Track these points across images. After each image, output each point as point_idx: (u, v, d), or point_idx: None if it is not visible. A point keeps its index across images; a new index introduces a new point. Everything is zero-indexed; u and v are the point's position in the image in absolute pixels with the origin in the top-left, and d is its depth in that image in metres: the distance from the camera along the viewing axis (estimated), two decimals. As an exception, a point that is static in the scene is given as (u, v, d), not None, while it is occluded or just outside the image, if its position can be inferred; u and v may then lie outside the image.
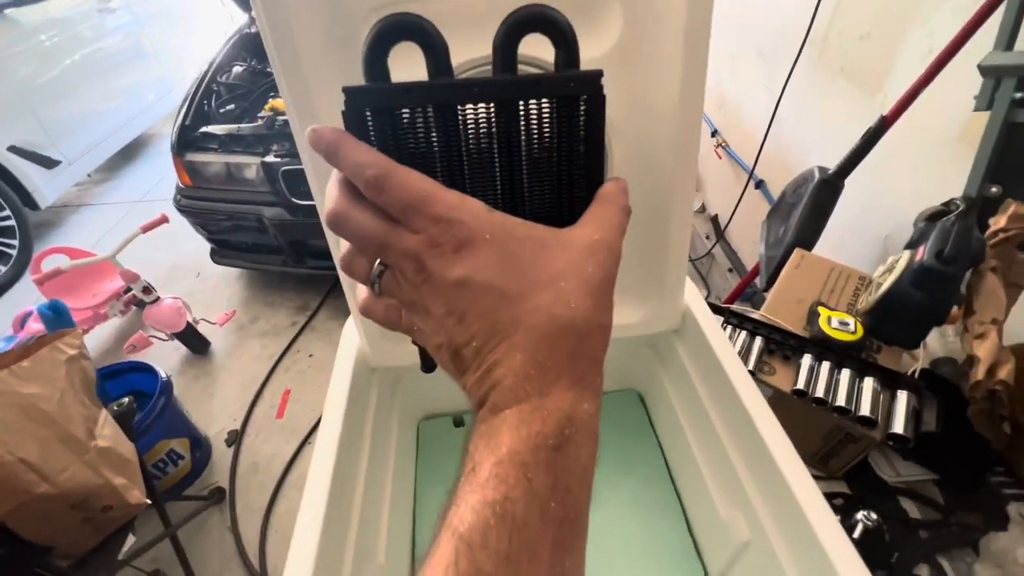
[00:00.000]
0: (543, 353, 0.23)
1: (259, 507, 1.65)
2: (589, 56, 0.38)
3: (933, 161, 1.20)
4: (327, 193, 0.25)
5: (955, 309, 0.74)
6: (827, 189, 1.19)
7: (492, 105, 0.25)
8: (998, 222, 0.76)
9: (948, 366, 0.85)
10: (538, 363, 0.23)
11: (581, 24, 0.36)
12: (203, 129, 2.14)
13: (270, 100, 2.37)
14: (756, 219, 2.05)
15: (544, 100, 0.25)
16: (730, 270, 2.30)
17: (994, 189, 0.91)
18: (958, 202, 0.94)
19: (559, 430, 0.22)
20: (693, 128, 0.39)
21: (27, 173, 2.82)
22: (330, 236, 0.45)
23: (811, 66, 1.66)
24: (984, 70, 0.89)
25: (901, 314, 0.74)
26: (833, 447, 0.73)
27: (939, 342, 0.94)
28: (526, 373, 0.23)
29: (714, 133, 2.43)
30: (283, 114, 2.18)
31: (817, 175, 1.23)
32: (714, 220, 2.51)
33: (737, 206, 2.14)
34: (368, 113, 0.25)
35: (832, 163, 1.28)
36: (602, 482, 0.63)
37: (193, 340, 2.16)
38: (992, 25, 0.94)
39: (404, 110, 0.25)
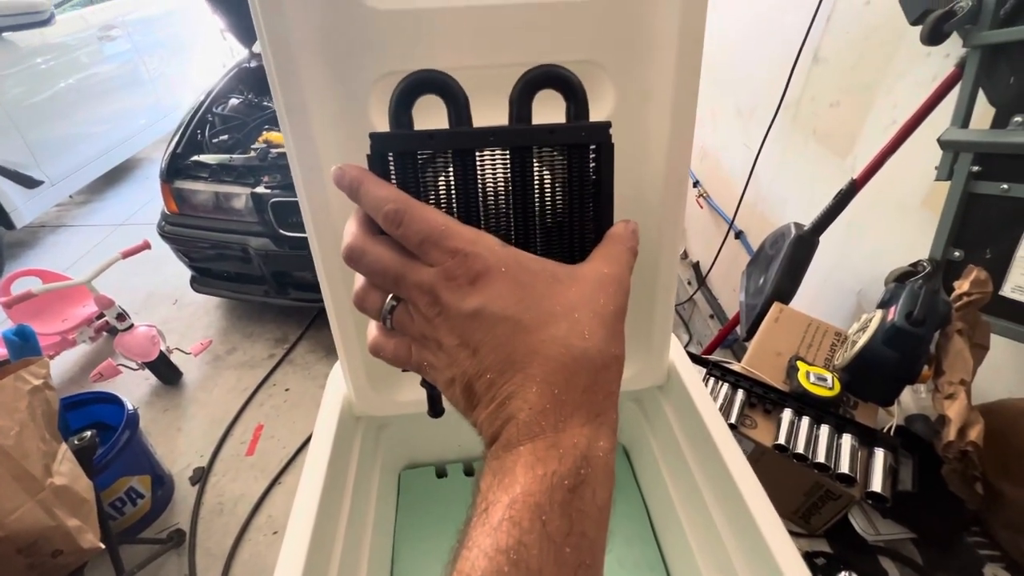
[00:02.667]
0: (559, 386, 0.23)
1: (220, 552, 1.55)
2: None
3: (900, 223, 1.27)
4: (345, 230, 0.26)
5: (926, 368, 0.77)
6: (803, 245, 1.24)
7: (508, 152, 0.27)
8: (961, 286, 0.80)
9: (921, 423, 0.87)
10: (554, 396, 0.23)
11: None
12: (194, 158, 2.15)
13: (264, 132, 2.40)
14: (736, 267, 2.12)
15: (557, 148, 0.27)
16: (711, 316, 2.34)
17: (956, 253, 0.97)
18: (924, 264, 0.99)
19: (575, 469, 0.22)
20: (679, 191, 0.41)
21: (6, 192, 2.77)
22: (320, 270, 0.45)
23: (786, 127, 1.76)
24: (943, 144, 0.96)
25: (875, 372, 0.76)
26: (814, 503, 0.74)
27: (912, 399, 0.97)
28: (542, 407, 0.23)
29: (696, 183, 2.53)
30: (277, 146, 2.20)
31: (793, 231, 1.29)
32: (695, 267, 2.58)
33: (718, 255, 2.21)
34: (391, 156, 0.26)
35: (807, 218, 1.35)
36: None
37: (165, 370, 2.09)
38: (950, 100, 1.03)
39: (425, 154, 0.26)
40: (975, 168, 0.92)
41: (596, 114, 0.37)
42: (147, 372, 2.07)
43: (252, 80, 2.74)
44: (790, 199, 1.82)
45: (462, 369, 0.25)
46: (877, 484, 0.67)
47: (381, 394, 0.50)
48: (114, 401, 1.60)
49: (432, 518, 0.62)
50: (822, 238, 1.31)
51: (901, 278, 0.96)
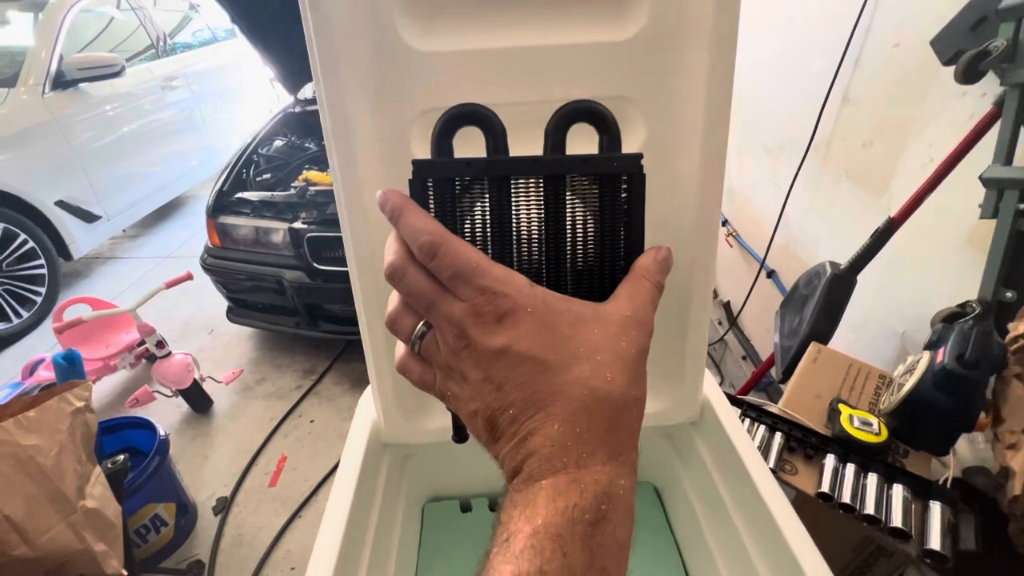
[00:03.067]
0: (581, 425, 0.23)
1: (238, 587, 1.53)
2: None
3: (944, 262, 1.22)
4: (387, 247, 0.27)
5: (983, 416, 0.72)
6: (840, 284, 1.21)
7: (542, 180, 0.28)
8: (1017, 328, 0.75)
9: (982, 476, 0.80)
10: (576, 435, 0.23)
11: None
12: (238, 195, 2.27)
13: (304, 171, 2.53)
14: (768, 307, 2.06)
15: (590, 177, 0.28)
16: (744, 357, 2.26)
17: (1009, 294, 0.92)
18: (973, 304, 0.95)
19: (596, 505, 0.22)
20: (712, 221, 0.41)
21: (68, 226, 2.97)
22: (357, 290, 0.46)
23: (816, 167, 1.75)
24: (985, 182, 0.93)
25: (926, 418, 0.72)
26: (865, 560, 0.68)
27: (969, 449, 0.90)
28: (563, 443, 0.23)
29: (725, 222, 2.51)
30: (315, 185, 2.31)
31: (829, 269, 1.26)
32: (726, 306, 2.52)
33: (749, 294, 2.16)
34: (431, 183, 0.27)
35: (841, 257, 1.31)
36: None
37: (197, 398, 2.14)
38: (990, 138, 1.00)
39: (463, 181, 0.28)
40: (1022, 206, 0.89)
41: (627, 148, 0.38)
42: (180, 400, 2.12)
43: (295, 124, 2.92)
44: (822, 238, 1.78)
45: (486, 403, 0.25)
46: (935, 541, 0.61)
47: (409, 421, 0.50)
48: (147, 427, 1.64)
49: (456, 553, 0.60)
50: (863, 276, 1.27)
51: (949, 319, 0.92)
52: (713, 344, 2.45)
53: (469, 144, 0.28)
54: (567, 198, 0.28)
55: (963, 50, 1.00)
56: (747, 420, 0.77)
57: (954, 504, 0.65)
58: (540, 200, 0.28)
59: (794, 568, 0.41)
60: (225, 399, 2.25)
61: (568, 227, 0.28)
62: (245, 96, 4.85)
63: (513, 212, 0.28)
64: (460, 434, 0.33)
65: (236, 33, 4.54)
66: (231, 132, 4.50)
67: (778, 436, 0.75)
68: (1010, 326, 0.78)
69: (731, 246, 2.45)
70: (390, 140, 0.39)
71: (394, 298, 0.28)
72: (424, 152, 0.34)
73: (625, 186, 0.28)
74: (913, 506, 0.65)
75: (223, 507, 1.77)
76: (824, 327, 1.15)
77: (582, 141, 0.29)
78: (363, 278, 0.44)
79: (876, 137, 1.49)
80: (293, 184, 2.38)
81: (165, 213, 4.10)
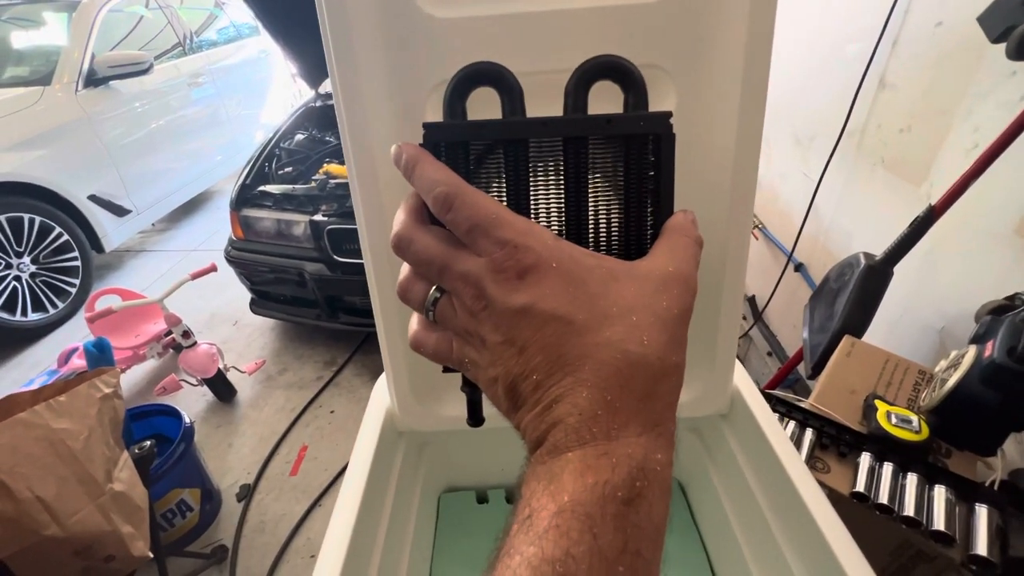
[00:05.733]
0: (613, 392, 0.21)
1: (260, 572, 1.56)
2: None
3: (988, 253, 1.15)
4: (395, 219, 0.26)
5: (1035, 414, 0.67)
6: (875, 276, 1.15)
7: (561, 142, 0.26)
8: (1074, 321, 0.70)
9: (1031, 479, 0.75)
10: (607, 403, 0.21)
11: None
12: (261, 188, 2.30)
13: (325, 165, 2.55)
14: (796, 302, 1.99)
15: (614, 138, 0.26)
16: (769, 354, 2.20)
17: (1062, 286, 0.86)
18: (1023, 297, 0.89)
19: (630, 481, 0.20)
20: (747, 194, 0.38)
21: (100, 220, 3.07)
22: (372, 284, 0.45)
23: (849, 155, 1.67)
24: (1041, 165, 0.87)
25: (972, 415, 0.67)
26: (902, 565, 0.64)
27: (1017, 450, 0.85)
28: (593, 412, 0.21)
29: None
30: (335, 178, 2.33)
31: (863, 261, 1.20)
32: (751, 301, 2.45)
33: (776, 288, 2.09)
34: (443, 147, 0.25)
35: (875, 249, 1.25)
36: None
37: (221, 387, 2.18)
38: (1043, 122, 0.94)
39: (478, 146, 0.26)
40: (1080, 192, 0.83)
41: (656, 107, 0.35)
42: (205, 388, 2.17)
43: (317, 117, 2.95)
44: (855, 230, 1.70)
45: (506, 368, 0.23)
46: (982, 546, 0.57)
47: (425, 407, 0.49)
48: (173, 414, 1.67)
49: (471, 545, 0.59)
50: (900, 268, 1.21)
51: (996, 312, 0.86)
52: (738, 339, 2.39)
53: (485, 108, 0.26)
54: (589, 161, 0.26)
55: (1014, 25, 0.94)
56: (777, 415, 0.74)
57: (1003, 508, 0.61)
58: (560, 164, 0.26)
59: (832, 566, 0.38)
60: (248, 389, 2.29)
61: (591, 194, 0.26)
62: (268, 91, 4.92)
63: (531, 178, 0.26)
64: (475, 416, 0.31)
65: (259, 30, 4.61)
66: (254, 127, 4.57)
67: (809, 432, 0.71)
68: (1066, 319, 0.73)
69: (756, 239, 2.38)
70: (405, 118, 0.38)
71: (405, 268, 0.27)
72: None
73: (653, 147, 0.26)
74: (957, 509, 0.61)
75: (246, 494, 1.80)
76: (858, 321, 1.10)
77: (606, 101, 0.27)
78: (376, 261, 0.43)
79: (915, 123, 1.42)
80: (314, 177, 2.41)
81: (192, 208, 4.20)
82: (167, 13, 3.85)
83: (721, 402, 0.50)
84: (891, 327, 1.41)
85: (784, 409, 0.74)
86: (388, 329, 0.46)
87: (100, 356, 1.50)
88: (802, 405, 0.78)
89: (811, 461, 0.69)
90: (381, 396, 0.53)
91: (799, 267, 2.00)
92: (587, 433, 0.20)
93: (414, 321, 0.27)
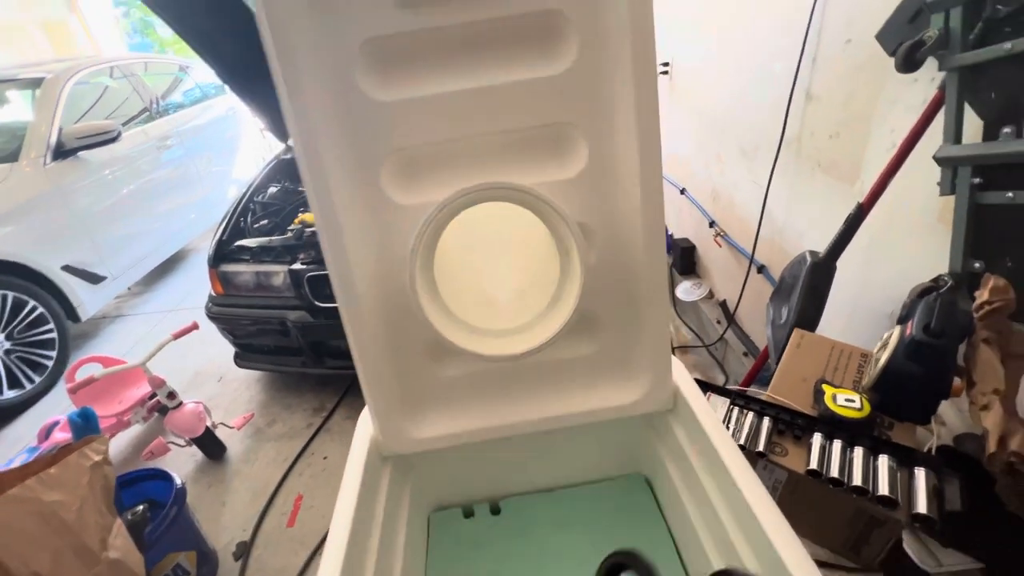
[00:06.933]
0: None
1: (263, 630, 1.53)
2: (565, 177, 0.46)
3: (919, 240, 1.26)
4: None
5: (958, 381, 0.75)
6: (820, 272, 1.24)
7: None
8: (981, 295, 0.79)
9: (971, 441, 0.83)
10: None
11: (558, 154, 0.45)
12: (238, 243, 2.34)
13: (300, 214, 2.61)
14: (762, 302, 2.09)
15: None
16: (745, 354, 2.28)
17: (976, 264, 0.96)
18: (946, 278, 0.99)
19: None
20: (657, 223, 0.45)
21: (75, 289, 3.04)
22: (346, 322, 0.50)
23: (791, 162, 1.81)
24: (938, 160, 0.98)
25: (902, 388, 0.75)
26: (861, 533, 0.70)
27: (958, 417, 0.92)
28: None
29: (712, 224, 2.56)
30: (311, 226, 2.38)
31: (809, 259, 1.30)
32: (723, 305, 2.55)
33: (743, 291, 2.19)
34: None
35: (823, 245, 1.35)
36: None
37: (210, 445, 2.16)
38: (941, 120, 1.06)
39: None
40: (976, 180, 0.94)
41: (575, 163, 0.43)
42: (194, 448, 2.14)
43: (289, 170, 3.02)
44: (805, 230, 1.82)
45: None
46: (922, 505, 0.64)
47: (405, 432, 0.54)
48: (164, 477, 1.66)
49: (462, 558, 0.62)
50: (846, 263, 1.31)
51: (923, 293, 0.95)
52: (714, 343, 2.47)
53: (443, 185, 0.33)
54: None
55: (904, 41, 1.07)
56: (736, 409, 0.80)
57: (939, 469, 0.68)
58: None
59: (767, 545, 0.43)
60: (238, 444, 2.27)
61: None
62: (238, 147, 5.00)
63: None
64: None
65: (225, 90, 4.72)
66: (226, 183, 4.63)
67: (766, 421, 0.78)
68: (976, 294, 0.82)
69: (720, 246, 2.49)
70: (361, 182, 0.44)
71: None
72: (394, 191, 0.38)
73: None
74: (899, 474, 0.68)
75: (243, 552, 1.77)
76: (809, 314, 1.19)
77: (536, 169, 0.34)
78: (347, 298, 0.49)
79: (842, 129, 1.55)
80: (289, 227, 2.46)
81: (168, 268, 4.19)
82: (132, 81, 3.93)
83: (664, 398, 0.56)
84: (848, 317, 1.50)
85: (743, 402, 0.81)
86: (364, 360, 0.52)
87: (86, 426, 1.49)
88: (760, 397, 0.84)
89: (770, 446, 0.75)
90: (365, 426, 0.58)
91: (761, 269, 2.11)
92: None
93: None
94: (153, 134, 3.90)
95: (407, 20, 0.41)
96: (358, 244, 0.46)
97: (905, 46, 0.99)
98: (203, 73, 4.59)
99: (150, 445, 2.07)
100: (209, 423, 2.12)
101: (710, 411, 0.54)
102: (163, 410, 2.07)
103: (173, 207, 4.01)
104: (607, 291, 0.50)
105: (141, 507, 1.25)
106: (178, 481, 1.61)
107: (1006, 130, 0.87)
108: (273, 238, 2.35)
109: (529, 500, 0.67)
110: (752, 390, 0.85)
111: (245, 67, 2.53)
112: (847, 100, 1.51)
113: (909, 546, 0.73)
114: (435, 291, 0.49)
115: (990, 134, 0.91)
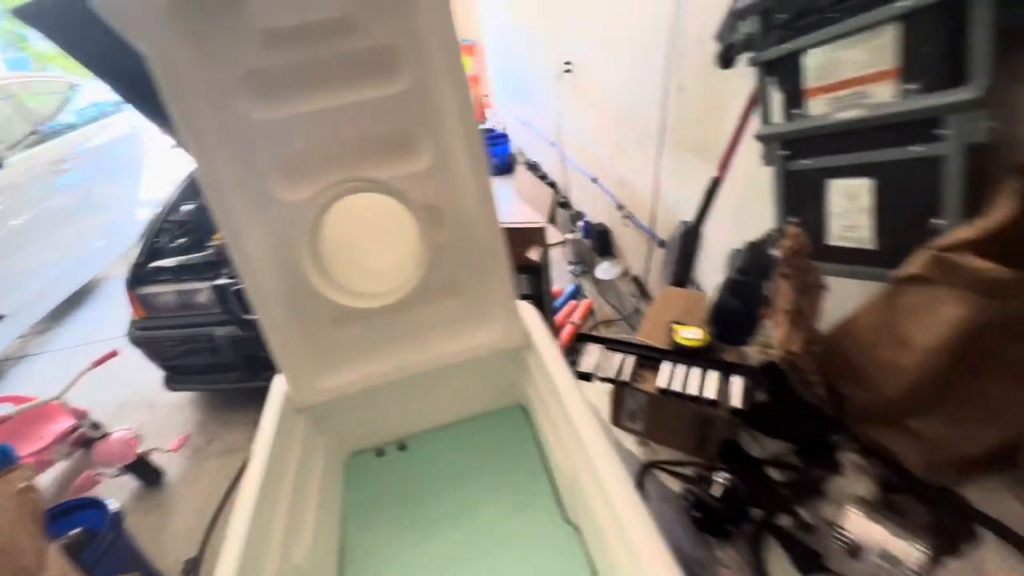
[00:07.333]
0: None
1: (219, 636, 1.56)
2: (416, 171, 0.59)
3: (767, 204, 1.52)
4: None
5: (767, 309, 0.96)
6: (688, 238, 1.47)
7: None
8: (784, 241, 1.01)
9: (791, 357, 1.05)
10: None
11: (410, 152, 0.58)
12: (156, 263, 2.29)
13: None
14: (664, 272, 2.33)
15: None
16: (657, 321, 2.53)
17: (793, 220, 1.20)
18: (774, 232, 1.22)
19: None
20: (488, 200, 0.60)
21: (-32, 331, 2.81)
22: (250, 290, 0.61)
23: (672, 146, 2.06)
24: (757, 138, 1.21)
25: (728, 319, 0.95)
26: (703, 434, 0.90)
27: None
28: None
29: (620, 207, 2.81)
30: (232, 240, 2.37)
31: (681, 227, 1.52)
32: (636, 280, 2.81)
33: (648, 265, 2.44)
34: None
35: (715, 228, 1.59)
36: (494, 486, 0.74)
37: (145, 471, 2.12)
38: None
39: None
40: (783, 152, 1.17)
41: (422, 159, 0.56)
42: (129, 476, 2.09)
43: (203, 186, 2.95)
44: (688, 205, 2.07)
45: None
46: (736, 401, 0.84)
47: (315, 383, 0.65)
48: (96, 506, 1.63)
49: (374, 494, 0.73)
50: (720, 226, 1.54)
51: (753, 245, 1.18)
52: (630, 315, 2.72)
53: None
54: None
55: (731, 42, 1.29)
56: (609, 351, 0.98)
57: (751, 375, 0.88)
58: None
59: (585, 452, 0.59)
60: (177, 467, 2.23)
61: None
62: (143, 167, 4.73)
63: None
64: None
65: (125, 107, 4.44)
66: (134, 206, 4.38)
67: (632, 358, 0.96)
68: (781, 241, 1.04)
69: (627, 226, 2.74)
70: (253, 188, 0.55)
71: None
72: (283, 192, 0.50)
73: None
74: (722, 383, 0.87)
75: (191, 568, 1.78)
76: (681, 275, 1.41)
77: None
78: (255, 288, 0.59)
79: (704, 116, 1.81)
80: (209, 244, 2.43)
81: (77, 300, 3.91)
82: (12, 103, 3.63)
83: (516, 336, 0.71)
84: (720, 270, 1.75)
85: (612, 345, 0.98)
86: (273, 332, 0.62)
87: (4, 459, 1.45)
88: (631, 340, 1.02)
89: (634, 377, 0.93)
90: (277, 388, 0.68)
91: (661, 244, 2.36)
92: None
93: None
94: (44, 158, 3.63)
95: (275, 56, 0.52)
96: (258, 240, 0.57)
97: (721, 47, 1.21)
98: (98, 91, 4.31)
99: (77, 481, 2.00)
100: (141, 449, 2.07)
101: (553, 347, 0.70)
102: (88, 442, 2.00)
103: (75, 235, 3.75)
104: (461, 258, 0.65)
105: (78, 529, 1.25)
106: (113, 506, 1.60)
107: (795, 111, 1.11)
108: (193, 255, 2.32)
109: (432, 435, 0.80)
110: (624, 336, 1.02)
111: (146, 84, 2.46)
112: (706, 91, 1.77)
113: (745, 443, 0.94)
114: (323, 265, 0.61)
115: (787, 115, 1.14)
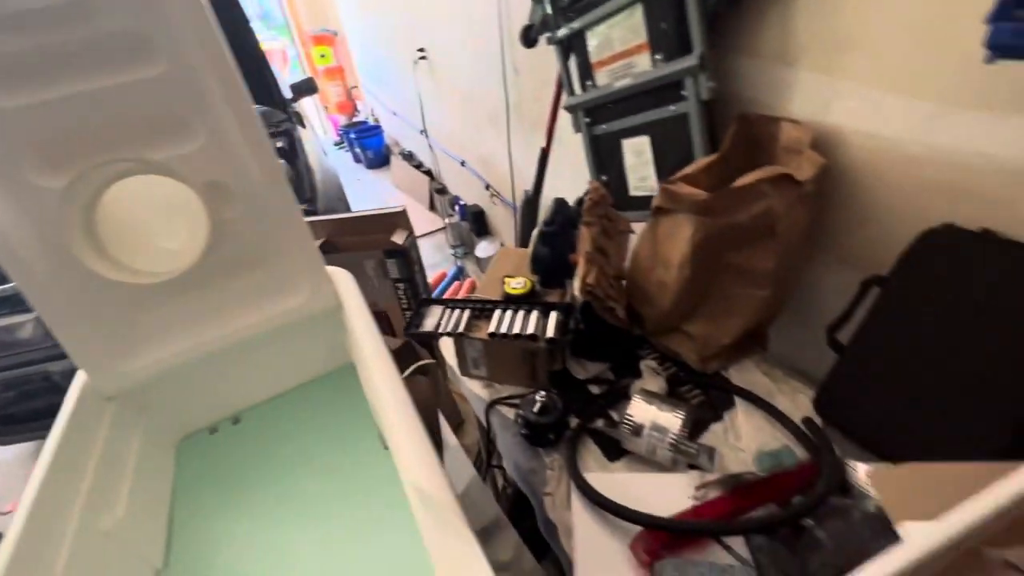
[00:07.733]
0: None
1: None
2: (190, 151, 0.62)
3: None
4: None
5: (574, 255, 1.12)
6: (528, 206, 1.62)
7: None
8: (589, 195, 1.18)
9: (608, 294, 1.23)
10: None
11: (185, 131, 0.61)
12: (-44, 301, 1.96)
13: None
14: (529, 243, 2.49)
15: None
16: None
17: (604, 178, 1.39)
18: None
19: None
20: (276, 176, 0.65)
21: None
22: (29, 296, 0.60)
23: (517, 124, 2.21)
24: (566, 108, 1.38)
25: (546, 266, 1.10)
26: (531, 366, 1.04)
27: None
28: None
29: (488, 187, 2.94)
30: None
31: (524, 196, 1.67)
32: (512, 254, 2.97)
33: (516, 241, 2.61)
34: None
35: (554, 191, 1.74)
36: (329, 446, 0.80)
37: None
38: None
39: None
40: (587, 120, 1.35)
41: (196, 139, 0.59)
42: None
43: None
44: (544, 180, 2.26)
45: None
46: (551, 332, 0.98)
47: (120, 367, 0.65)
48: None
49: (207, 473, 0.75)
50: (563, 191, 1.70)
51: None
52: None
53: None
54: None
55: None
56: (447, 310, 1.08)
57: (564, 310, 1.03)
58: None
59: (384, 403, 0.67)
60: (23, 527, 1.96)
61: None
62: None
63: None
64: None
65: None
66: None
67: (467, 312, 1.06)
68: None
69: (496, 204, 2.89)
70: (7, 177, 0.54)
71: None
72: (46, 181, 0.50)
73: None
74: (540, 321, 1.01)
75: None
76: (524, 237, 1.55)
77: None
78: (29, 288, 0.58)
79: (540, 94, 1.97)
80: (28, 270, 2.13)
81: None
82: None
83: (328, 299, 0.78)
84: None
85: (453, 304, 1.08)
86: (51, 313, 0.61)
87: None
88: (468, 298, 1.13)
89: (468, 328, 1.03)
90: (80, 377, 0.68)
91: (524, 216, 2.54)
92: None
93: None
94: None
95: (15, 42, 0.52)
96: (22, 232, 0.56)
97: (523, 27, 1.35)
98: None
99: None
100: (-29, 514, 1.79)
101: (362, 309, 0.78)
102: None
103: None
104: (258, 230, 0.69)
105: None
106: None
107: (588, 83, 1.29)
108: (5, 286, 2.02)
109: (267, 406, 0.84)
110: (464, 296, 1.13)
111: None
112: (537, 70, 1.93)
113: (572, 368, 1.09)
114: (103, 248, 0.62)
115: (583, 87, 1.32)
